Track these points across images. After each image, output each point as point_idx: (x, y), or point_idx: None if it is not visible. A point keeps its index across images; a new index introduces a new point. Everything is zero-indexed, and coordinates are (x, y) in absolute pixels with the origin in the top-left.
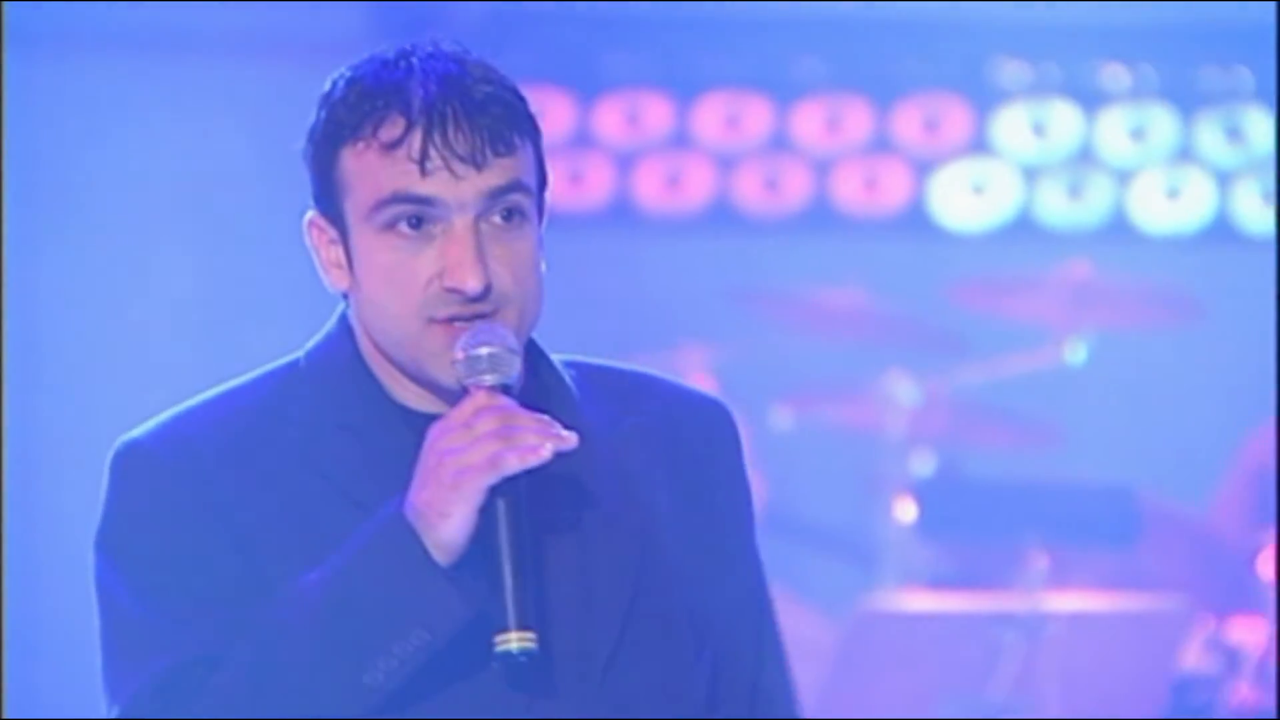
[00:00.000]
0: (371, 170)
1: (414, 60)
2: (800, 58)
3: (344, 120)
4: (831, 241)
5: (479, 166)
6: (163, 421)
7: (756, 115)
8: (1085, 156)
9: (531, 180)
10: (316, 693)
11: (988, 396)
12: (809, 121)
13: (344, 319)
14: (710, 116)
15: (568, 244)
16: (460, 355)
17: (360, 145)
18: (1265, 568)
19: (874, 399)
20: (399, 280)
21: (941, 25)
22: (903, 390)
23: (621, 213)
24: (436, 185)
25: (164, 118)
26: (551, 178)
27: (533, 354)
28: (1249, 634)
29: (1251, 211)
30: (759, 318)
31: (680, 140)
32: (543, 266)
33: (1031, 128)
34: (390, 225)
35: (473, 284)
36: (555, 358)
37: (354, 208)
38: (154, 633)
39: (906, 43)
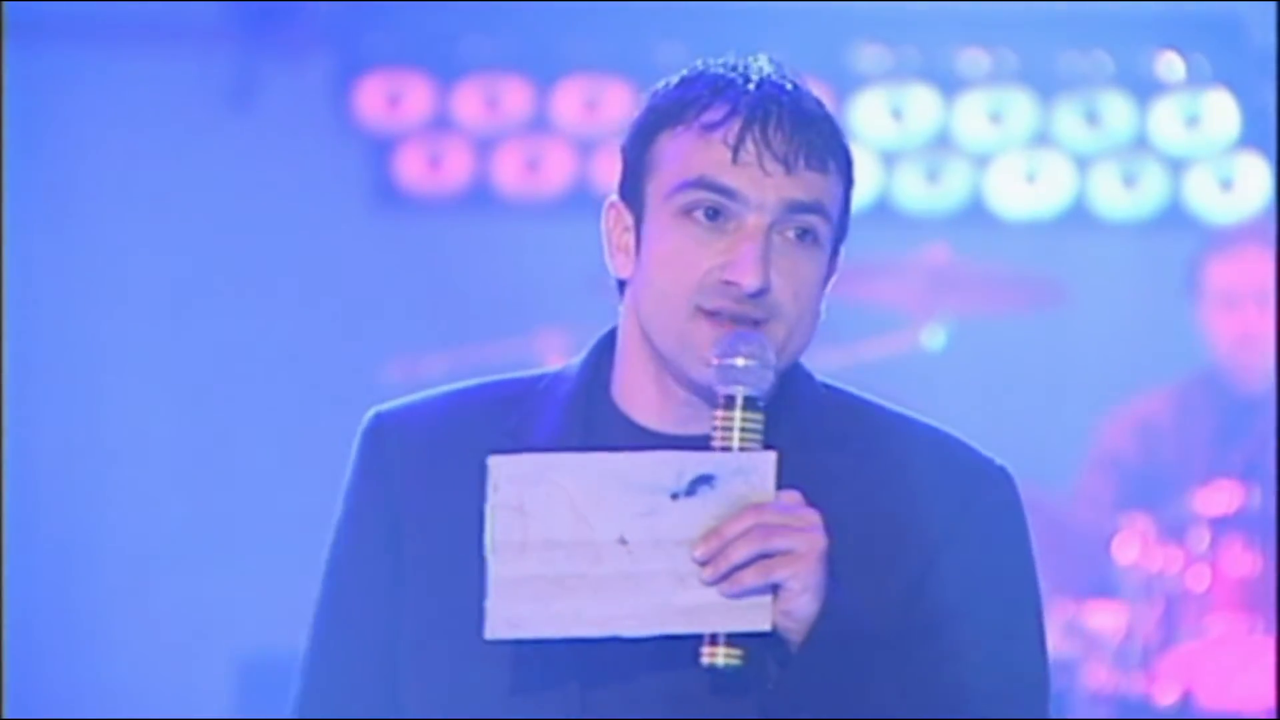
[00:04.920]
0: (684, 152)
1: (746, 69)
2: (660, 42)
3: (668, 108)
4: None
5: (789, 170)
6: (408, 402)
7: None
8: (943, 141)
9: (833, 211)
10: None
11: (845, 381)
12: None
13: (597, 345)
14: (569, 100)
15: (427, 228)
16: (715, 361)
17: (679, 129)
18: (1121, 552)
19: None
20: (681, 265)
21: (798, 10)
22: None
23: (481, 197)
24: (743, 178)
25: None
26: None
27: (798, 379)
28: (1107, 618)
29: (1110, 196)
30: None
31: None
32: (823, 303)
33: (890, 112)
34: (688, 210)
35: (751, 281)
36: (821, 379)
37: (656, 189)
38: (321, 612)
39: (767, 27)
